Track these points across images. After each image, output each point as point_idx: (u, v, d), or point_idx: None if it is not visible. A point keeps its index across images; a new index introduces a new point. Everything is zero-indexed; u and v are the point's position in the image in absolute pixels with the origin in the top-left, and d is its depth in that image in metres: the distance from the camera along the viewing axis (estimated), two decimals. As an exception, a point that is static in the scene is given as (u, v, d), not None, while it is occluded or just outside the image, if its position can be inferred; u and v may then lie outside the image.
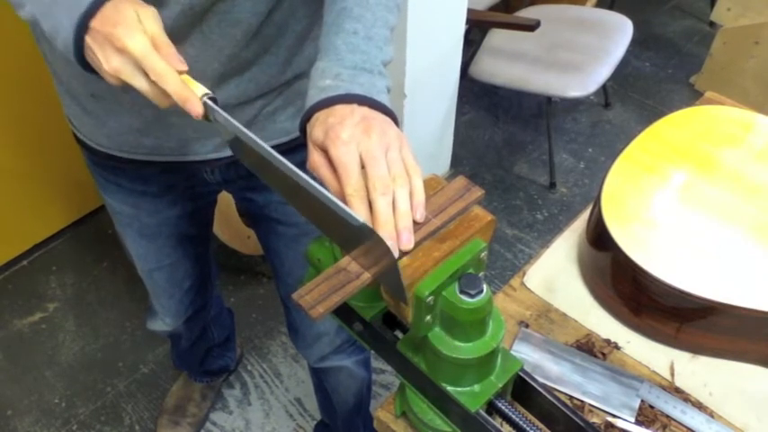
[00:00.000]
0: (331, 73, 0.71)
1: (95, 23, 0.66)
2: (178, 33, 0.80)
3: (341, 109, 0.67)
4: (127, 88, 0.67)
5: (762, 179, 0.96)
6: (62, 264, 2.16)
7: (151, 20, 0.66)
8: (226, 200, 1.79)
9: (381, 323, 0.72)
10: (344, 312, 0.72)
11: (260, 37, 0.86)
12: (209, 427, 1.81)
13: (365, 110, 0.67)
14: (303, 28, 0.90)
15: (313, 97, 0.70)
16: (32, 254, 2.18)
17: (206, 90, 0.66)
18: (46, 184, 2.10)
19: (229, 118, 0.64)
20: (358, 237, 0.58)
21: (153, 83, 0.65)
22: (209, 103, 0.65)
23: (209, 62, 0.85)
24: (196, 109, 0.65)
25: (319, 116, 0.68)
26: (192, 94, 0.65)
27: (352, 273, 0.60)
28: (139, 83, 0.66)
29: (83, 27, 0.66)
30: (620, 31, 2.34)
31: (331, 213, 0.58)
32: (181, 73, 0.66)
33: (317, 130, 0.66)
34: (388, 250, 0.56)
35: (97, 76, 0.69)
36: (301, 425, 1.81)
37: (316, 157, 0.66)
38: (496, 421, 0.66)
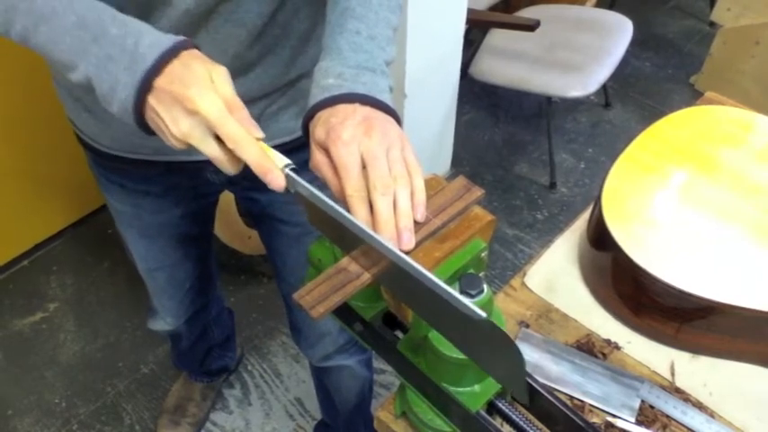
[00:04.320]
0: (334, 72, 0.71)
1: (162, 82, 0.61)
2: (183, 33, 0.79)
3: (343, 108, 0.67)
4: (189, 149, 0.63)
5: (762, 179, 0.96)
6: (62, 264, 2.17)
7: (225, 81, 0.62)
8: (226, 200, 1.79)
9: (381, 323, 0.72)
10: (345, 312, 0.72)
11: (264, 37, 0.86)
12: (210, 427, 1.81)
13: (367, 109, 0.67)
14: (306, 28, 0.90)
15: (315, 96, 0.70)
16: (33, 254, 2.18)
17: (287, 161, 0.62)
18: (46, 184, 2.10)
19: (313, 189, 0.60)
20: (478, 333, 0.54)
21: (227, 149, 0.61)
22: (292, 174, 0.61)
23: None
24: (278, 182, 0.61)
25: (321, 115, 0.68)
26: (274, 166, 0.61)
27: (352, 273, 0.60)
28: (211, 149, 0.62)
29: (146, 86, 0.61)
30: (620, 31, 2.34)
31: (439, 300, 0.53)
32: (258, 140, 0.62)
33: (319, 129, 0.66)
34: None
35: (157, 136, 0.65)
36: (301, 425, 1.81)
37: (318, 157, 0.66)
38: (497, 421, 0.66)
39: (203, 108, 0.59)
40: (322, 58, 0.74)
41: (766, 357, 0.86)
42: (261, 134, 0.62)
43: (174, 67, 0.61)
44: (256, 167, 0.61)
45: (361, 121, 0.65)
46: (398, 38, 1.92)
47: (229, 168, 0.63)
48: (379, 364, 1.79)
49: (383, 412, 0.79)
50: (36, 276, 2.13)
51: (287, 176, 0.61)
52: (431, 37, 1.97)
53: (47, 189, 2.11)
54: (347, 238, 0.60)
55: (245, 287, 2.10)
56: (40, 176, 2.07)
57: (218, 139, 0.61)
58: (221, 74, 0.62)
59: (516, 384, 0.57)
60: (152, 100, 0.61)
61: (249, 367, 1.92)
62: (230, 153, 0.62)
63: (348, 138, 0.63)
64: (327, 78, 0.70)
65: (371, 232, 0.57)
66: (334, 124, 0.65)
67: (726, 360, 0.87)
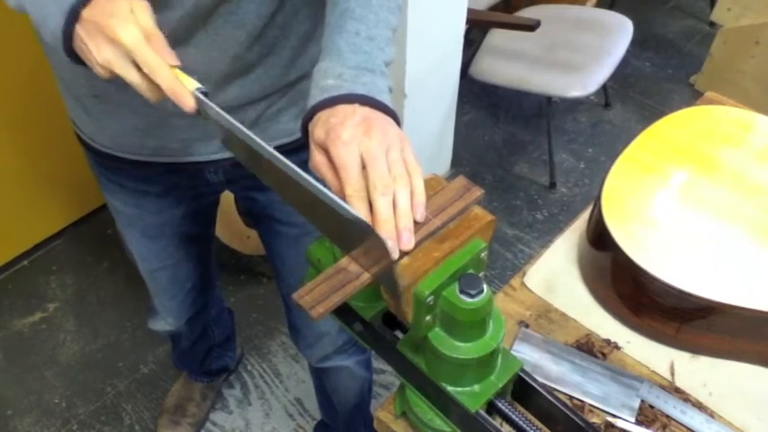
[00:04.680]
0: (333, 73, 0.71)
1: (87, 13, 0.65)
2: (183, 35, 0.79)
3: (343, 109, 0.67)
4: (120, 83, 0.67)
5: (762, 179, 0.96)
6: (62, 264, 2.17)
7: (144, 13, 0.65)
8: (226, 200, 1.79)
9: (381, 323, 0.72)
10: (344, 312, 0.72)
11: (264, 39, 0.86)
12: (210, 427, 1.81)
13: (367, 110, 0.67)
14: (306, 29, 0.90)
15: (315, 97, 0.70)
16: (32, 254, 2.18)
17: (198, 84, 0.66)
18: (46, 183, 2.10)
19: (221, 112, 0.64)
20: (354, 233, 0.58)
21: (145, 76, 0.65)
22: (201, 96, 0.65)
23: (213, 64, 0.85)
24: (188, 103, 0.64)
25: (321, 116, 0.68)
26: (184, 88, 0.65)
27: (351, 273, 0.60)
28: (131, 75, 0.65)
29: (74, 16, 0.65)
30: (620, 31, 2.34)
31: (324, 207, 0.58)
32: (173, 67, 0.65)
33: (318, 130, 0.66)
34: (384, 247, 0.56)
35: (86, 67, 0.68)
36: (301, 425, 1.81)
37: (317, 158, 0.66)
38: (496, 421, 0.66)
39: (122, 36, 0.63)
40: (321, 58, 0.74)
41: (766, 357, 0.86)
42: (176, 61, 0.65)
43: None
44: (168, 91, 0.64)
45: (361, 122, 0.65)
46: (398, 38, 1.93)
47: (149, 95, 0.66)
48: (378, 364, 1.79)
49: (383, 412, 0.79)
50: (36, 276, 2.13)
51: (197, 99, 0.65)
52: (431, 37, 1.97)
53: (47, 189, 2.11)
54: (263, 166, 0.62)
55: (245, 287, 2.10)
56: (40, 176, 2.07)
57: (139, 67, 0.65)
58: (142, 7, 0.66)
59: (388, 277, 0.59)
60: (79, 29, 0.65)
61: (249, 367, 1.92)
62: (149, 80, 0.65)
63: (348, 138, 0.63)
64: (327, 79, 0.71)
65: (276, 153, 0.60)
66: (334, 124, 0.65)
67: (726, 360, 0.87)
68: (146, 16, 0.65)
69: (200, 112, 0.66)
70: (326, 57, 0.73)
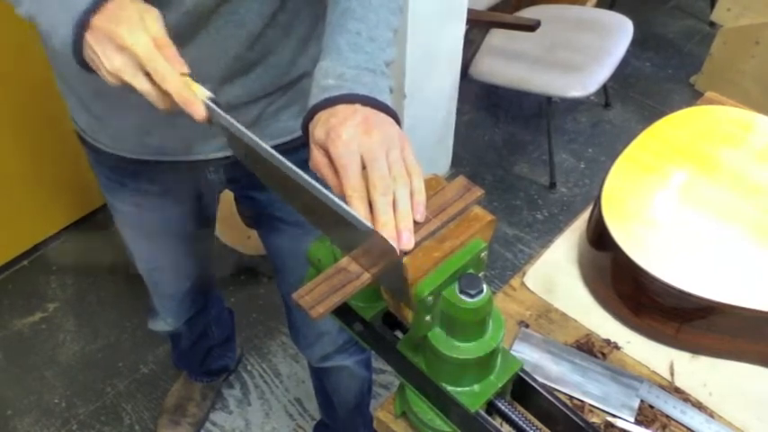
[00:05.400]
0: (334, 72, 0.71)
1: (97, 21, 0.64)
2: (183, 34, 0.79)
3: (343, 109, 0.67)
4: (127, 89, 0.67)
5: (762, 179, 0.96)
6: (62, 264, 2.16)
7: (154, 21, 0.65)
8: (226, 200, 1.78)
9: (381, 323, 0.72)
10: (344, 312, 0.72)
11: (264, 38, 0.86)
12: (209, 427, 1.81)
13: (367, 110, 0.67)
14: (307, 29, 0.90)
15: (316, 96, 0.70)
16: (32, 254, 2.18)
17: (208, 93, 0.65)
18: (46, 184, 2.10)
19: (232, 120, 0.64)
20: (354, 233, 0.58)
21: (154, 84, 0.64)
22: (212, 105, 0.65)
23: (214, 63, 0.85)
24: (199, 111, 0.64)
25: (321, 116, 0.68)
26: (195, 97, 0.64)
27: (352, 273, 0.60)
28: (140, 83, 0.65)
29: (83, 24, 0.64)
30: (620, 32, 2.34)
31: (324, 207, 0.58)
32: (183, 75, 0.65)
33: (318, 130, 0.66)
34: (388, 245, 0.56)
35: (96, 75, 0.68)
36: (301, 425, 1.81)
37: (318, 158, 0.66)
38: (496, 421, 0.66)
39: (132, 44, 0.62)
40: (322, 57, 0.74)
41: (766, 357, 0.86)
42: (186, 69, 0.65)
43: (109, 6, 0.64)
44: (178, 98, 0.64)
45: (361, 122, 0.65)
46: (398, 38, 1.93)
47: (159, 104, 0.66)
48: (378, 364, 1.79)
49: (383, 412, 0.79)
50: (36, 276, 2.13)
51: (208, 108, 0.64)
52: (431, 37, 1.97)
53: (47, 189, 2.11)
54: (270, 171, 0.62)
55: (245, 287, 2.09)
56: (40, 176, 2.07)
57: (149, 76, 0.65)
58: (152, 15, 0.65)
59: (395, 281, 0.59)
60: (89, 37, 0.64)
61: (249, 367, 1.92)
62: (159, 88, 0.65)
63: (348, 138, 0.63)
64: (327, 79, 0.71)
65: (280, 157, 0.60)
66: (334, 125, 0.65)
67: (726, 360, 0.87)
68: (156, 24, 0.65)
69: (211, 120, 0.65)
70: (327, 56, 0.73)
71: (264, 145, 0.62)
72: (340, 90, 0.69)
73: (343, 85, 0.69)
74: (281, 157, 0.61)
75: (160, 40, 0.64)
